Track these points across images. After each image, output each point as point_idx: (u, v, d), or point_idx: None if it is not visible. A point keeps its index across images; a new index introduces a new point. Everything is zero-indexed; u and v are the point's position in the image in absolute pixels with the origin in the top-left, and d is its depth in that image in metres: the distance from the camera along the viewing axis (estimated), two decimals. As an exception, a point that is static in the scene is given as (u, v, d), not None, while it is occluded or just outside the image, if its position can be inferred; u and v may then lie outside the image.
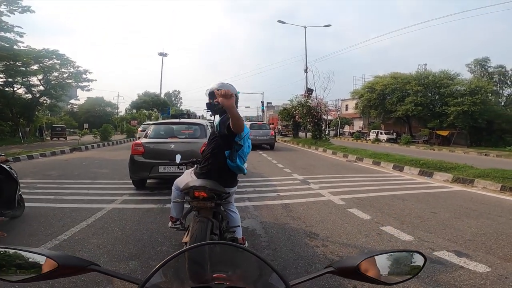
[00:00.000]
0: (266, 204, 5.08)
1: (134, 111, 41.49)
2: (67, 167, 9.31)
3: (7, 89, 20.36)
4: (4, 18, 15.88)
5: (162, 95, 44.18)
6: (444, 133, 26.05)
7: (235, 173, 2.55)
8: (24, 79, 20.56)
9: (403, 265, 0.81)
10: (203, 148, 5.40)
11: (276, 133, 24.39)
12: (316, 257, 3.00)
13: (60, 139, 22.85)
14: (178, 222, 2.85)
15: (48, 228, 3.66)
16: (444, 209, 4.81)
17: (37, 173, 7.91)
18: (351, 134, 37.71)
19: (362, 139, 31.98)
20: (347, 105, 43.69)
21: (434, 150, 20.16)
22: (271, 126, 20.71)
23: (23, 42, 18.35)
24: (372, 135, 31.05)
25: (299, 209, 4.75)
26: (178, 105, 76.11)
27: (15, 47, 17.75)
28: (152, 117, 37.98)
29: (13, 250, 0.71)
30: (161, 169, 5.59)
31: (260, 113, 55.47)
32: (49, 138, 23.10)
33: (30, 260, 0.71)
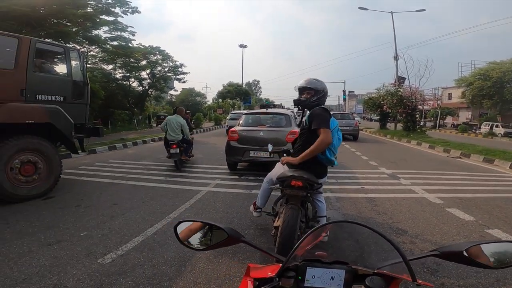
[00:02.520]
0: (349, 196, 4.96)
1: (220, 100, 44.60)
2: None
3: (124, 82, 24.30)
4: (119, 19, 18.40)
5: (244, 85, 46.38)
6: None
7: (326, 165, 2.66)
8: (137, 74, 24.23)
9: (502, 254, 0.85)
10: (288, 135, 5.85)
11: None
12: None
13: None
14: (259, 210, 3.14)
15: (162, 206, 4.33)
16: None
17: (150, 156, 9.37)
18: (455, 126, 32.29)
19: (470, 132, 27.12)
20: (450, 94, 38.40)
21: None
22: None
23: (135, 40, 21.83)
24: (484, 128, 25.97)
25: (385, 204, 4.48)
26: (258, 94, 77.97)
27: (130, 45, 20.65)
28: (235, 106, 40.14)
29: (198, 222, 0.99)
30: (252, 153, 6.22)
31: (342, 102, 52.92)
32: (155, 125, 26.29)
33: (208, 231, 0.98)
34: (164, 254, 2.80)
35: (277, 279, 0.86)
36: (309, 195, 2.61)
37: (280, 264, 0.93)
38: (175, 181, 5.90)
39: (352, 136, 15.80)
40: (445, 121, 36.45)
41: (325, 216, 2.75)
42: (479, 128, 27.48)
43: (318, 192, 2.70)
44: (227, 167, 6.90)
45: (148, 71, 25.05)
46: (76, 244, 3.02)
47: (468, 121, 32.38)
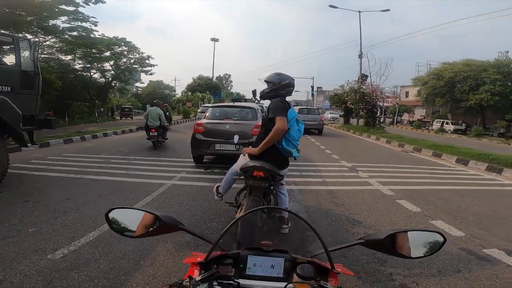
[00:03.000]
0: (311, 188, 5.14)
1: (190, 93, 43.97)
2: (134, 144, 10.31)
3: (85, 73, 23.27)
4: (80, 9, 17.63)
5: (214, 79, 46.20)
6: None
7: (285, 155, 2.69)
8: (99, 65, 23.27)
9: (424, 244, 0.90)
10: (254, 129, 5.91)
11: None
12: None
13: (127, 118, 25.34)
14: (220, 195, 3.17)
15: (122, 201, 4.19)
16: (507, 208, 4.41)
17: (111, 149, 8.94)
18: (410, 122, 34.83)
19: (424, 128, 29.40)
20: (407, 92, 40.80)
21: (509, 144, 17.70)
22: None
23: (97, 31, 20.63)
24: (436, 125, 28.25)
25: (344, 196, 4.72)
26: (229, 88, 77.59)
27: (91, 35, 19.86)
28: (205, 100, 39.75)
29: (132, 209, 0.96)
30: (218, 146, 6.22)
31: (310, 97, 54.40)
32: (118, 117, 25.58)
33: (142, 219, 0.95)
34: (122, 249, 2.72)
35: (215, 266, 0.87)
36: (272, 187, 2.68)
37: (224, 252, 0.96)
38: (138, 175, 5.71)
39: (317, 130, 16.60)
40: (402, 118, 38.95)
41: (286, 208, 2.82)
42: (432, 125, 29.70)
43: (280, 184, 2.77)
44: (192, 160, 6.88)
45: (111, 62, 24.20)
46: (23, 240, 2.83)
47: (422, 118, 34.88)
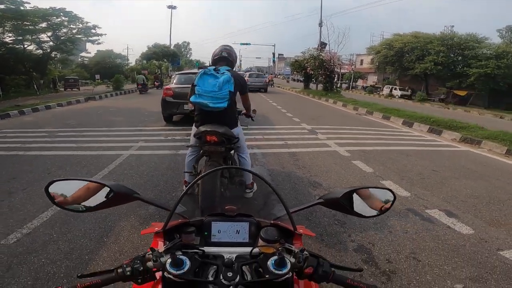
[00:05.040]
0: (273, 152, 5.28)
1: (145, 62, 41.74)
2: (84, 115, 9.55)
3: (17, 46, 21.14)
4: None
5: (172, 47, 43.74)
6: (462, 93, 25.25)
7: (229, 114, 2.60)
8: (33, 37, 21.34)
9: (377, 201, 0.93)
10: None
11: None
12: (317, 206, 3.19)
13: (73, 89, 23.57)
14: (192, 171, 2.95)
15: (74, 175, 3.87)
16: (446, 168, 4.86)
17: (57, 122, 8.14)
18: (364, 88, 37.02)
19: (375, 93, 31.38)
20: (362, 60, 43.19)
21: (448, 109, 19.66)
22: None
23: (29, 3, 18.75)
24: (386, 90, 30.41)
25: (305, 158, 4.93)
26: (188, 55, 76.14)
27: (22, 8, 18.12)
28: (162, 68, 38.71)
29: (77, 180, 0.84)
30: (185, 107, 6.86)
31: (271, 64, 54.34)
32: (62, 89, 23.62)
33: (90, 190, 0.84)
34: (81, 227, 2.59)
35: (178, 236, 0.85)
36: (231, 151, 2.64)
37: (185, 220, 0.93)
38: (90, 147, 5.35)
39: (263, 89, 22.34)
40: (357, 84, 41.11)
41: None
42: (382, 90, 31.85)
43: (238, 146, 2.69)
44: (151, 128, 6.97)
45: (49, 33, 22.26)
46: (-32, 228, 2.55)
47: (374, 84, 37.11)
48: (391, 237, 2.62)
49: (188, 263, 0.71)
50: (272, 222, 0.96)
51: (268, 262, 0.73)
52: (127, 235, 2.50)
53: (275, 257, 0.73)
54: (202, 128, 2.46)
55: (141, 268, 0.70)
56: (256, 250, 0.80)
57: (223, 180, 2.50)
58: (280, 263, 0.72)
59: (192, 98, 2.47)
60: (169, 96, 7.33)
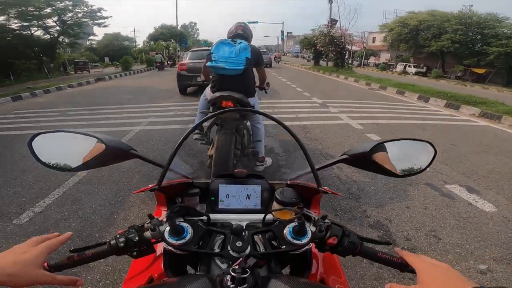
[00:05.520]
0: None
1: (152, 43, 41.86)
2: (94, 95, 9.57)
3: (24, 32, 21.24)
4: None
5: (179, 27, 43.47)
6: (480, 70, 24.38)
7: (246, 81, 2.55)
8: (39, 22, 21.35)
9: (414, 156, 0.77)
10: None
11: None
12: (330, 179, 3.11)
13: (83, 72, 23.88)
14: (201, 133, 2.90)
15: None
16: (465, 142, 4.63)
17: (68, 102, 8.16)
18: (376, 65, 36.18)
19: (388, 70, 30.64)
20: (374, 38, 42.42)
21: (466, 86, 18.80)
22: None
23: None
24: (399, 67, 29.86)
25: (316, 131, 4.82)
26: (195, 35, 76.69)
27: None
28: (170, 48, 38.87)
29: (65, 133, 0.72)
30: (198, 79, 7.52)
31: (280, 42, 53.10)
32: (73, 72, 23.95)
33: (79, 145, 0.72)
34: (92, 204, 2.58)
35: (180, 199, 0.75)
36: (244, 121, 2.55)
37: (187, 180, 0.82)
38: (101, 124, 5.37)
39: (268, 64, 22.34)
40: (368, 61, 40.21)
41: (260, 141, 2.72)
42: (395, 67, 31.16)
43: (254, 115, 2.60)
44: (160, 104, 7.12)
45: (55, 18, 22.33)
46: (-18, 207, 2.57)
47: (387, 61, 36.14)
48: (409, 213, 2.50)
49: (190, 231, 0.61)
50: (288, 182, 0.83)
51: (285, 230, 0.62)
52: (136, 212, 2.48)
53: (294, 224, 0.62)
54: (217, 94, 2.36)
55: (136, 238, 0.60)
56: (269, 217, 0.70)
57: (236, 152, 2.40)
58: (300, 231, 0.61)
59: (208, 63, 2.45)
60: (184, 70, 8.45)
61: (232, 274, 0.49)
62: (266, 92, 3.15)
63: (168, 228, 0.60)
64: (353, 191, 2.78)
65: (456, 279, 0.46)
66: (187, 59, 9.02)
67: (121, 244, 0.59)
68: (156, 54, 26.27)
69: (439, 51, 27.30)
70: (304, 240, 0.60)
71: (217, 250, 0.64)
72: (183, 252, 0.61)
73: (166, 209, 0.80)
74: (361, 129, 4.97)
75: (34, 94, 10.04)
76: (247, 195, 0.82)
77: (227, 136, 2.30)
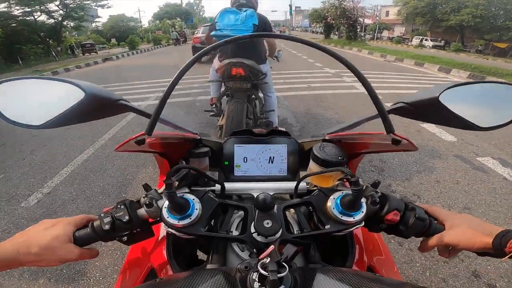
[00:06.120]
0: (296, 94, 4.97)
1: (158, 22, 41.72)
2: (102, 74, 9.49)
3: (27, 18, 21.39)
4: None
5: (184, 5, 42.86)
6: (503, 45, 23.51)
7: (255, 47, 2.40)
8: (41, 7, 21.37)
9: (497, 104, 0.53)
10: None
11: None
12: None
13: (91, 53, 24.00)
14: (212, 106, 2.81)
15: (94, 127, 3.80)
16: None
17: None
18: (390, 39, 34.96)
19: (403, 44, 29.45)
20: (387, 11, 41.53)
21: (487, 59, 17.70)
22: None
23: None
24: (415, 41, 28.96)
25: (330, 100, 4.61)
26: (201, 13, 76.57)
27: None
28: (176, 26, 39.24)
29: (33, 79, 0.52)
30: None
31: (288, 17, 51.36)
32: (81, 54, 24.00)
33: (53, 92, 0.51)
34: (100, 182, 2.48)
35: (183, 162, 0.57)
36: (256, 91, 2.38)
37: (194, 135, 0.63)
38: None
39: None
40: (382, 35, 38.90)
41: (273, 111, 2.56)
42: (411, 41, 30.30)
43: (264, 83, 2.40)
44: (167, 79, 6.98)
45: (57, 2, 22.38)
46: (-8, 189, 2.51)
47: (402, 35, 35.01)
48: (439, 188, 2.29)
49: (198, 206, 0.44)
50: (327, 136, 0.63)
51: (329, 203, 0.45)
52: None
53: (341, 193, 0.45)
54: (226, 61, 2.17)
55: (126, 217, 0.44)
56: (303, 185, 0.53)
57: (248, 121, 2.25)
58: (352, 204, 0.43)
59: (212, 33, 2.26)
60: (198, 43, 10.15)
61: (262, 271, 0.31)
62: (278, 60, 2.94)
63: (167, 202, 0.43)
64: (375, 163, 2.58)
65: (481, 225, 0.45)
66: (199, 33, 10.65)
67: (106, 227, 0.44)
68: (172, 32, 30.15)
69: (458, 26, 26.54)
70: (358, 217, 0.43)
71: (235, 233, 0.47)
72: (188, 237, 0.44)
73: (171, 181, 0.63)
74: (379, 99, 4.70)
75: (43, 76, 10.01)
76: (270, 157, 0.64)
77: (238, 104, 2.14)
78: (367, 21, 32.44)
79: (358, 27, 21.80)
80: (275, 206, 0.46)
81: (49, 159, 2.99)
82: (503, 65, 13.53)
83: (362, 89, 4.43)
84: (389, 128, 0.52)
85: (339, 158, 0.51)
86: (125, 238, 0.46)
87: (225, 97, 2.40)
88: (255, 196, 0.47)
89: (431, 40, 27.97)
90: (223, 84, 2.35)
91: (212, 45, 0.56)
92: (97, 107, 0.52)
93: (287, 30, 40.04)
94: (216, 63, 2.47)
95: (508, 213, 2.00)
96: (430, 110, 0.53)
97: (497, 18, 25.51)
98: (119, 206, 0.45)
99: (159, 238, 0.54)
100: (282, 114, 3.88)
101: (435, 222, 0.47)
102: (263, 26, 2.32)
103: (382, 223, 0.47)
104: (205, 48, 0.56)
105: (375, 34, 36.24)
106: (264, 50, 2.56)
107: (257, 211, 0.44)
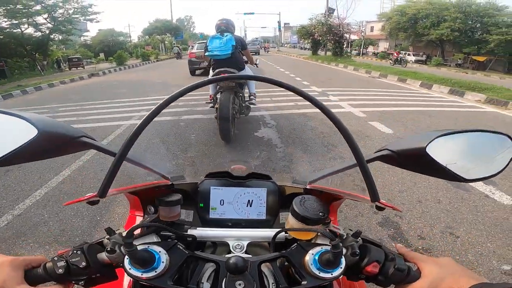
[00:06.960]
0: (282, 113, 4.98)
1: (147, 37, 41.80)
2: (86, 91, 9.32)
3: (14, 30, 21.18)
4: None
5: (174, 21, 43.30)
6: (481, 58, 24.41)
7: (236, 60, 3.53)
8: (29, 20, 21.18)
9: (484, 154, 0.50)
10: None
11: None
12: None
13: (78, 68, 23.82)
14: (212, 101, 3.81)
15: None
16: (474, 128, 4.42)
17: (58, 98, 7.91)
18: (375, 54, 36.20)
19: (387, 59, 30.33)
20: (372, 27, 42.55)
21: (467, 73, 18.55)
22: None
23: None
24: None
25: (316, 119, 4.59)
26: (191, 29, 77.55)
27: None
28: (166, 42, 38.83)
29: None
30: (202, 64, 10.06)
31: (277, 33, 52.58)
32: (67, 69, 23.81)
33: (7, 128, 0.44)
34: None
35: (152, 208, 0.56)
36: (240, 87, 3.58)
37: (165, 181, 0.59)
38: (91, 120, 5.16)
39: (256, 52, 27.45)
40: (367, 50, 40.44)
41: (254, 94, 3.91)
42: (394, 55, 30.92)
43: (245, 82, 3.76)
44: (153, 97, 7.14)
45: (45, 15, 22.23)
46: (-40, 211, 2.38)
47: (386, 50, 36.14)
48: (421, 208, 2.29)
49: (164, 258, 0.41)
50: (308, 186, 0.60)
51: (307, 257, 0.43)
52: (122, 212, 2.26)
53: (321, 250, 0.44)
54: (217, 70, 3.43)
55: (83, 263, 0.41)
56: (281, 234, 0.51)
57: (234, 106, 3.36)
58: (331, 261, 0.41)
59: (206, 53, 3.54)
60: (193, 57, 11.16)
61: None
62: (257, 66, 4.11)
63: (127, 257, 0.40)
64: (357, 183, 2.56)
65: (459, 272, 0.42)
66: (194, 49, 11.70)
67: (60, 271, 0.40)
68: (174, 47, 32.46)
69: (439, 40, 27.41)
70: (336, 273, 0.42)
71: (206, 286, 0.44)
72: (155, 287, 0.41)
73: (142, 214, 0.60)
74: (364, 117, 4.76)
75: (25, 91, 9.76)
76: (249, 201, 0.62)
77: (226, 95, 3.28)
78: (353, 36, 33.30)
79: (344, 43, 22.38)
80: (250, 263, 0.42)
81: (23, 181, 2.87)
82: (483, 78, 14.12)
83: (348, 108, 4.53)
84: (374, 197, 0.48)
85: (320, 214, 0.49)
86: (82, 283, 0.42)
87: (219, 94, 3.47)
88: (231, 245, 0.47)
89: (413, 55, 28.80)
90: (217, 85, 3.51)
91: (203, 80, 0.54)
92: (53, 145, 0.45)
93: (276, 46, 42.13)
94: (211, 73, 3.67)
95: (491, 231, 2.00)
96: (416, 160, 0.49)
97: (474, 31, 26.50)
98: (75, 251, 0.42)
99: (125, 281, 0.49)
100: (266, 134, 3.90)
101: (414, 270, 0.45)
102: (240, 43, 3.57)
103: (361, 274, 0.45)
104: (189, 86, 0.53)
105: (361, 50, 37.57)
106: (243, 61, 3.70)
107: (229, 265, 0.40)
